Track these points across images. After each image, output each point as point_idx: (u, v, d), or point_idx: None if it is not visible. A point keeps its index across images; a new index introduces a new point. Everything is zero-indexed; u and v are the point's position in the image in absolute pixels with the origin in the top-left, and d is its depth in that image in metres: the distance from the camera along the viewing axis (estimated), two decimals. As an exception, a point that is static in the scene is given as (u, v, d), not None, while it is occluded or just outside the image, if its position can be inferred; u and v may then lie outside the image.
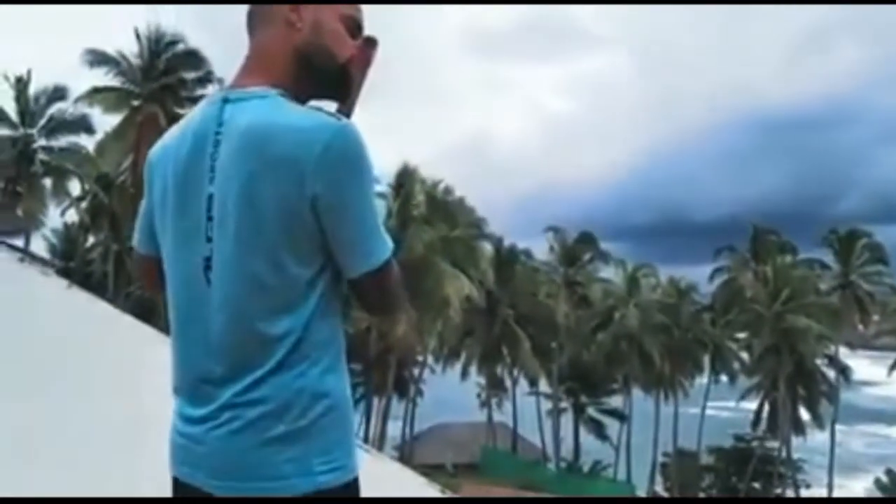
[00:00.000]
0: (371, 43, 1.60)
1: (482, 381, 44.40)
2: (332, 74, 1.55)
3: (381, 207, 1.48)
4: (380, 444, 34.16)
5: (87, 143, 32.70)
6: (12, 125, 32.43)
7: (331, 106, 1.56)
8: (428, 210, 34.91)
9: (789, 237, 43.80)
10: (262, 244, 1.38)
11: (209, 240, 1.43)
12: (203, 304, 1.44)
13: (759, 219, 46.43)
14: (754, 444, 42.10)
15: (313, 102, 1.53)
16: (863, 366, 47.93)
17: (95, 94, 31.46)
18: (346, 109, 1.57)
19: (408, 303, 32.31)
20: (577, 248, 42.97)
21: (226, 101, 1.47)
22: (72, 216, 34.26)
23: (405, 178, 34.79)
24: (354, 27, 1.58)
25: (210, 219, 1.42)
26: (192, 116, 1.53)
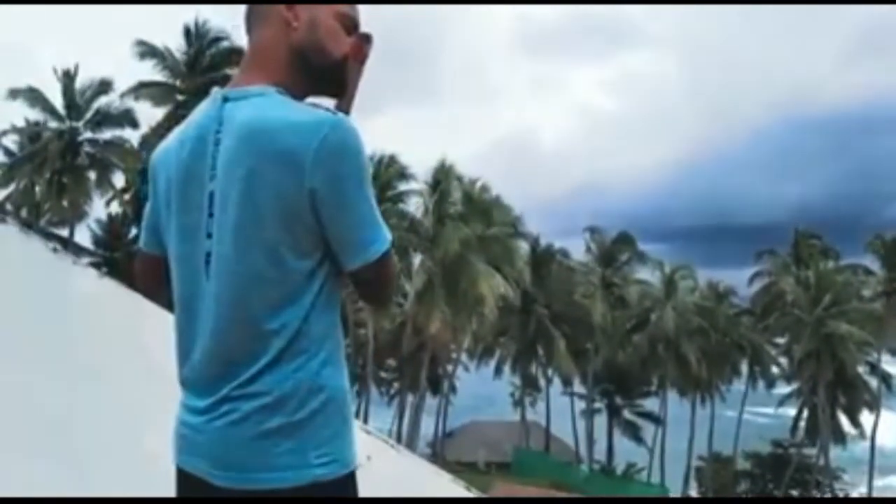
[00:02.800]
0: (366, 39, 1.62)
1: (516, 380, 44.30)
2: (328, 71, 1.58)
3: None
4: (412, 441, 34.25)
5: (132, 136, 33.28)
6: (59, 118, 33.10)
7: (329, 103, 1.58)
8: (464, 208, 34.87)
9: (834, 242, 43.09)
10: (262, 238, 1.41)
11: (209, 236, 1.46)
12: (203, 298, 1.48)
13: (803, 223, 45.83)
14: (792, 450, 41.45)
15: (311, 99, 1.55)
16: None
17: (141, 88, 31.95)
18: (344, 105, 1.60)
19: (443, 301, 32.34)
20: (615, 249, 42.57)
21: (226, 99, 1.50)
22: (116, 208, 34.86)
23: (442, 176, 34.80)
24: (350, 24, 1.61)
25: (211, 215, 1.46)
26: (193, 116, 1.56)
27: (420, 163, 36.22)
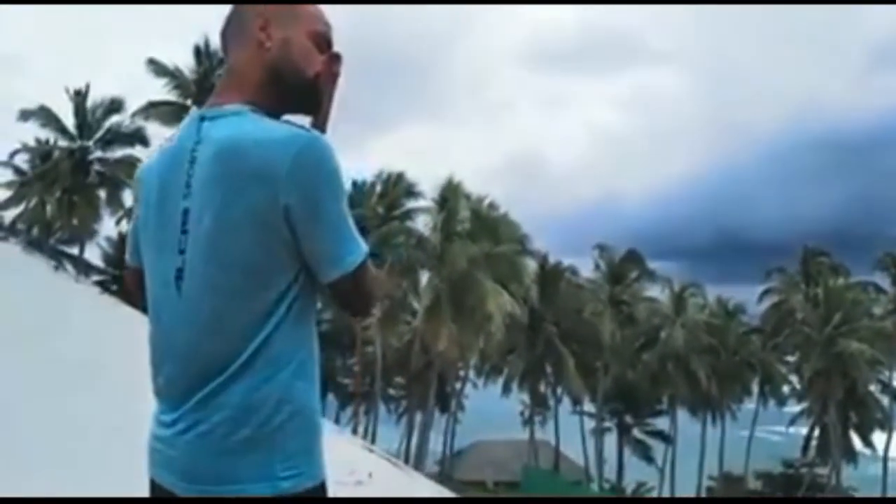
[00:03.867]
0: (336, 58, 1.65)
1: (525, 397, 44.11)
2: (301, 89, 1.61)
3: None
4: (421, 459, 34.11)
5: (142, 154, 33.51)
6: (70, 137, 33.41)
7: (305, 120, 1.61)
8: (472, 225, 34.91)
9: (844, 259, 42.89)
10: (238, 254, 1.43)
11: (182, 252, 1.49)
12: (174, 312, 1.51)
13: (812, 240, 45.56)
14: (803, 470, 41.08)
15: (287, 117, 1.58)
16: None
17: (151, 108, 32.28)
18: (319, 123, 1.63)
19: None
20: (624, 267, 42.53)
21: (202, 119, 1.53)
22: (125, 226, 35.07)
23: (449, 193, 34.88)
24: (324, 43, 1.65)
25: (184, 232, 1.49)
26: (174, 135, 1.59)
27: (428, 179, 36.32)
